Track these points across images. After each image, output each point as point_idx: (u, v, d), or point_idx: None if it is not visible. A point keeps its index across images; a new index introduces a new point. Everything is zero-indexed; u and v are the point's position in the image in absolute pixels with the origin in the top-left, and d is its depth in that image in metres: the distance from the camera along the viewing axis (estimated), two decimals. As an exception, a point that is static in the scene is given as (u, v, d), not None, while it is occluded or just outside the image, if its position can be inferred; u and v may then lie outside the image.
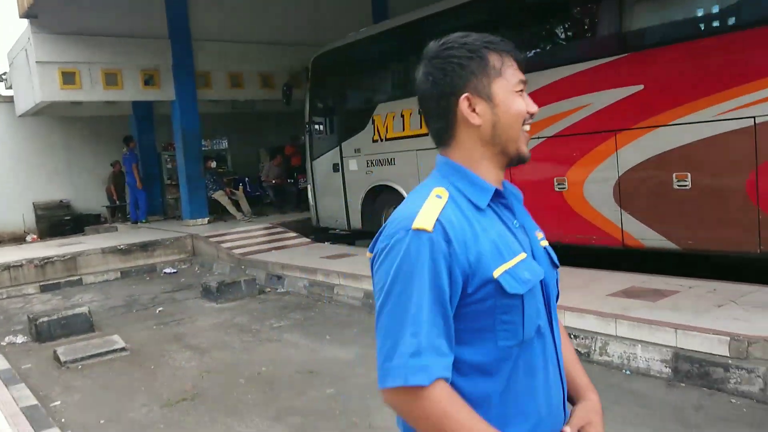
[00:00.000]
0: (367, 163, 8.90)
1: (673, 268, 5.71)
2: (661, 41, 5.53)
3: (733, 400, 3.40)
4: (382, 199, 8.84)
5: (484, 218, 1.16)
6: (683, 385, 3.70)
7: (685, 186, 5.35)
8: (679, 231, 5.47)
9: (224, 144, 14.87)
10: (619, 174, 5.80)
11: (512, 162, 1.23)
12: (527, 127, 1.21)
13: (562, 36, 6.61)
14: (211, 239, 9.92)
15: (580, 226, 6.23)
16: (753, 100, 4.83)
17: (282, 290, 7.52)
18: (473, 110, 1.18)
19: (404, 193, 8.29)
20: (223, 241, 9.80)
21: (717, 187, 5.17)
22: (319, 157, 9.96)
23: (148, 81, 11.30)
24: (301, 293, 7.22)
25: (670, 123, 5.36)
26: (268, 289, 7.63)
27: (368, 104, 8.91)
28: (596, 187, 6.03)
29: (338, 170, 9.49)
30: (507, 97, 1.18)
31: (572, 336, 4.31)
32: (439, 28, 7.71)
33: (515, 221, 1.23)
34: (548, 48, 6.72)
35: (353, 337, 5.37)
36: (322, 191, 10.03)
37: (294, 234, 10.28)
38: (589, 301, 4.62)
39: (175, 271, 9.56)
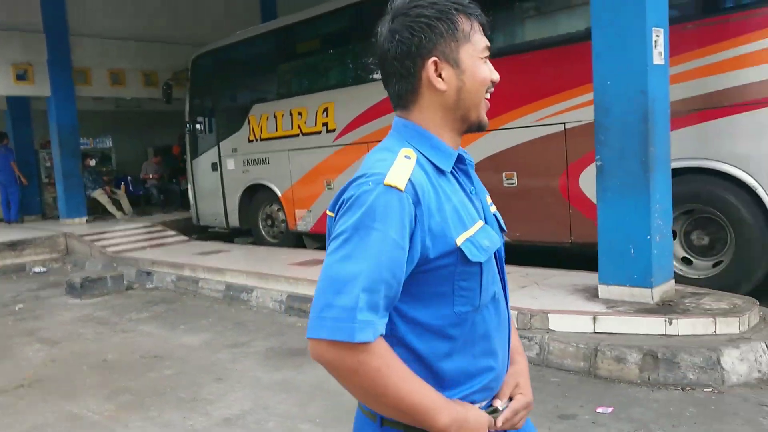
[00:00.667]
0: (244, 163, 9.12)
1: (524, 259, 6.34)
2: (491, 56, 6.16)
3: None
4: (259, 198, 9.09)
5: (446, 184, 1.15)
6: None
7: (513, 184, 5.98)
8: (509, 225, 6.08)
9: (108, 143, 14.56)
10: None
11: (471, 128, 1.21)
12: (488, 95, 1.20)
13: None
14: (85, 237, 9.78)
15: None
16: (563, 108, 5.51)
17: (150, 286, 7.60)
18: (439, 75, 1.14)
19: (278, 192, 8.59)
20: (98, 240, 9.68)
21: (537, 185, 5.82)
22: (198, 156, 10.07)
23: (22, 75, 10.96)
24: (168, 288, 7.34)
25: (501, 127, 5.98)
26: (137, 285, 7.68)
27: (244, 105, 9.14)
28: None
29: (217, 169, 9.65)
30: (473, 63, 1.15)
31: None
32: (312, 32, 8.11)
33: (472, 187, 1.21)
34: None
35: (207, 326, 5.60)
36: (201, 190, 10.14)
37: (173, 233, 10.30)
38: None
39: (45, 270, 9.35)
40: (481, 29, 1.17)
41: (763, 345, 3.51)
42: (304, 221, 8.32)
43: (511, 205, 6.00)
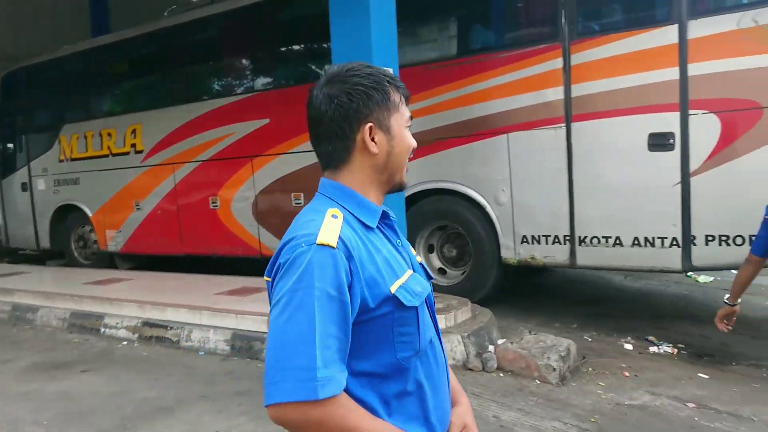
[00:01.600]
0: (54, 183, 8.92)
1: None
2: (279, 85, 6.70)
3: (259, 365, 4.34)
4: (71, 219, 8.90)
5: (375, 238, 1.23)
6: (236, 358, 4.58)
7: (300, 203, 6.45)
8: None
9: None
10: (256, 193, 6.76)
11: (393, 189, 1.31)
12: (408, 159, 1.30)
13: (220, 72, 7.48)
14: None
15: (230, 240, 7.05)
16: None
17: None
18: (372, 139, 1.23)
19: (89, 213, 8.49)
20: None
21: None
22: (8, 176, 9.70)
23: None
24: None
25: (289, 151, 6.44)
26: None
27: (55, 124, 8.98)
28: (240, 205, 6.92)
29: (27, 189, 9.34)
30: (400, 130, 1.26)
31: (168, 328, 5.00)
32: (121, 54, 8.19)
33: (398, 240, 1.31)
34: (206, 83, 7.55)
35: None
36: (11, 211, 9.75)
37: (-23, 256, 9.77)
38: (195, 299, 5.37)
39: None
40: (404, 101, 1.28)
41: (459, 337, 4.15)
42: (114, 242, 8.29)
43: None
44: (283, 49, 6.84)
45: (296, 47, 6.76)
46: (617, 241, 4.73)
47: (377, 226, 1.25)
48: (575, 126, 4.83)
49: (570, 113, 4.85)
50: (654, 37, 4.51)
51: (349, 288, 1.11)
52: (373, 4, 4.43)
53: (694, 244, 4.47)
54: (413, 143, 1.29)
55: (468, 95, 5.32)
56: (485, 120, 5.24)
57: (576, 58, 4.80)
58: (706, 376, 4.16)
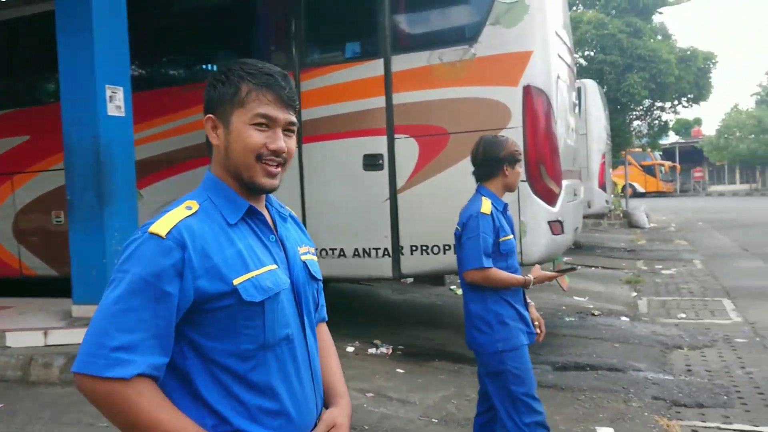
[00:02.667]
0: None
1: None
2: (38, 102, 6.63)
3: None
4: None
5: (233, 231, 1.24)
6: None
7: (60, 222, 6.35)
8: (58, 260, 6.42)
9: None
10: (16, 211, 6.56)
11: (248, 188, 1.28)
12: (267, 161, 1.26)
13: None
14: None
15: (-7, 260, 6.75)
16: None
17: None
18: (215, 131, 1.27)
19: None
20: None
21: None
22: None
23: None
24: None
25: (50, 169, 6.34)
26: None
27: None
28: (1, 224, 6.67)
29: None
30: (241, 127, 1.25)
31: None
32: None
33: (272, 236, 1.31)
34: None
35: None
36: None
37: None
38: None
39: None
40: (267, 99, 1.25)
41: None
42: None
43: (60, 242, 6.35)
44: (39, 65, 6.75)
45: (51, 64, 6.70)
46: (342, 253, 5.17)
47: (246, 221, 1.28)
48: (305, 147, 5.26)
49: (301, 135, 5.26)
50: (365, 70, 5.06)
51: (181, 276, 1.15)
52: (98, 23, 4.59)
53: (402, 254, 5.01)
54: (259, 143, 1.25)
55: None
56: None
57: (304, 86, 5.24)
58: (402, 371, 4.66)
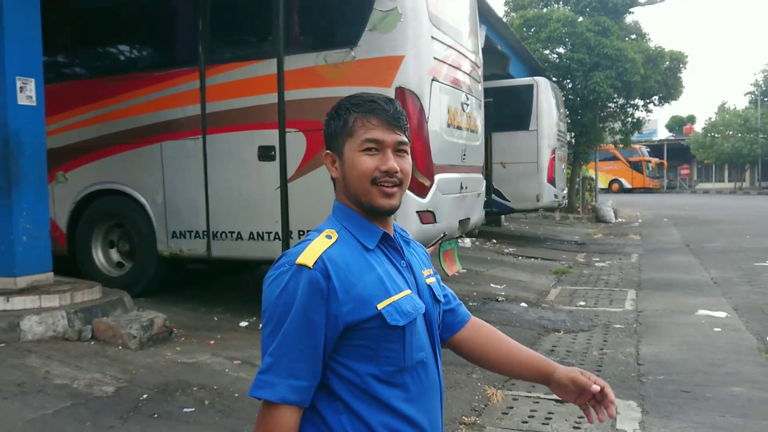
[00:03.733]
0: None
1: None
2: None
3: None
4: None
5: (372, 257, 1.31)
6: None
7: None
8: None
9: None
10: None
11: (371, 212, 1.35)
12: (382, 182, 1.32)
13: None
14: None
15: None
16: None
17: None
18: (333, 164, 1.37)
19: None
20: None
21: None
22: None
23: None
24: None
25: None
26: None
27: None
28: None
29: None
30: (353, 155, 1.32)
31: None
32: None
33: (403, 261, 1.37)
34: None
35: None
36: None
37: None
38: None
39: None
40: (372, 124, 1.31)
41: (63, 312, 4.80)
42: None
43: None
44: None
45: None
46: (239, 236, 5.63)
47: (380, 247, 1.34)
48: (209, 138, 5.70)
49: (205, 127, 5.71)
50: (261, 68, 5.49)
51: (327, 305, 1.23)
52: (8, 16, 5.01)
53: (291, 238, 5.46)
54: (372, 167, 1.31)
55: (130, 107, 6.04)
56: (144, 130, 5.98)
57: (209, 81, 5.68)
58: (280, 343, 5.12)
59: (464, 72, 6.12)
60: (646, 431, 3.80)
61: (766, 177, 45.33)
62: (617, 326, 6.29)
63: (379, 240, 1.33)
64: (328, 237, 1.29)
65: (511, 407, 4.10)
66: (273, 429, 1.23)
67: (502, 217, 16.47)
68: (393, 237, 1.38)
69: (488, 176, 13.16)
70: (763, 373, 4.77)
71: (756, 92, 46.16)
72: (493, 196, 13.07)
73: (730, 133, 39.88)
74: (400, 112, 1.36)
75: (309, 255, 1.25)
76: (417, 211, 5.13)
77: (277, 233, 5.49)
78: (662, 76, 19.12)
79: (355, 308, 1.24)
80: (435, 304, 1.41)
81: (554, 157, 12.85)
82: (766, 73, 45.69)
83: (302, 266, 1.24)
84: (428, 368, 1.34)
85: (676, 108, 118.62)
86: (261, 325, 1.28)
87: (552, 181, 12.83)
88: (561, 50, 18.74)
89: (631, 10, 19.22)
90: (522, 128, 12.73)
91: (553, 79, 18.65)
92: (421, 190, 5.15)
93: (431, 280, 1.43)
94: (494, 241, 13.11)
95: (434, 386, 1.36)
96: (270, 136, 5.46)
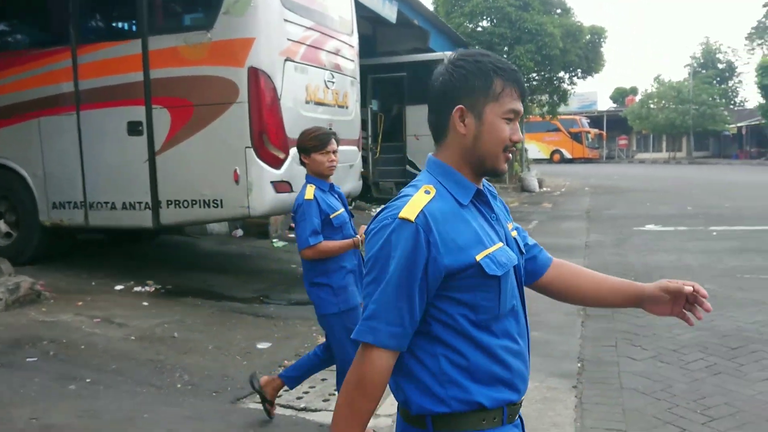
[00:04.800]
0: None
1: None
2: None
3: None
4: None
5: (467, 212, 1.35)
6: None
7: None
8: None
9: None
10: None
11: (487, 174, 1.40)
12: (510, 151, 1.38)
13: None
14: None
15: None
16: None
17: None
18: (463, 121, 1.34)
19: None
20: None
21: None
22: None
23: None
24: None
25: None
26: None
27: None
28: None
29: None
30: (494, 120, 1.34)
31: None
32: None
33: (493, 215, 1.42)
34: None
35: None
36: None
37: None
38: None
39: None
40: (515, 95, 1.35)
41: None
42: None
43: None
44: None
45: None
46: (113, 206, 6.03)
47: (473, 202, 1.38)
48: (83, 114, 6.05)
49: (79, 103, 6.05)
50: (128, 47, 5.84)
51: (428, 256, 1.28)
52: None
53: (161, 207, 5.89)
54: (512, 136, 1.36)
55: (9, 84, 6.32)
56: (23, 106, 6.28)
57: (80, 59, 6.00)
58: (146, 304, 5.59)
59: (329, 52, 6.55)
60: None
61: (699, 147, 47.22)
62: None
63: (472, 196, 1.38)
64: (427, 192, 1.33)
65: (334, 353, 4.67)
66: (370, 369, 1.30)
67: (425, 187, 17.07)
68: (483, 192, 1.42)
69: (403, 148, 13.78)
70: (564, 321, 5.40)
71: (694, 65, 47.78)
72: (408, 167, 13.68)
73: (664, 104, 41.33)
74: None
75: (411, 209, 1.30)
76: (272, 182, 5.61)
77: (147, 203, 5.90)
78: (582, 50, 19.84)
79: (455, 260, 1.29)
80: (520, 256, 1.46)
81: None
82: (703, 47, 47.31)
83: (405, 220, 1.29)
84: (518, 316, 1.42)
85: (621, 80, 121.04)
86: (364, 273, 1.37)
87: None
88: (486, 24, 19.26)
89: (553, -16, 19.80)
90: (434, 101, 13.26)
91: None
92: (276, 162, 5.62)
93: (514, 233, 1.48)
94: (409, 210, 13.68)
95: (523, 331, 1.43)
96: (137, 112, 5.84)
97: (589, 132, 42.29)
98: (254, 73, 5.46)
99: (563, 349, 4.67)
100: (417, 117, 13.43)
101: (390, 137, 13.93)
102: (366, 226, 1.41)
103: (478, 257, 1.30)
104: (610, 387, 3.96)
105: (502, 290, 1.34)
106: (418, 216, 1.29)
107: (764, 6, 49.01)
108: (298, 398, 3.78)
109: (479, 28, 19.30)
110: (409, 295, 1.29)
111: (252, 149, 5.52)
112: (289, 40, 5.77)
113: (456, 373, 1.32)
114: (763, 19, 49.91)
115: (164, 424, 3.35)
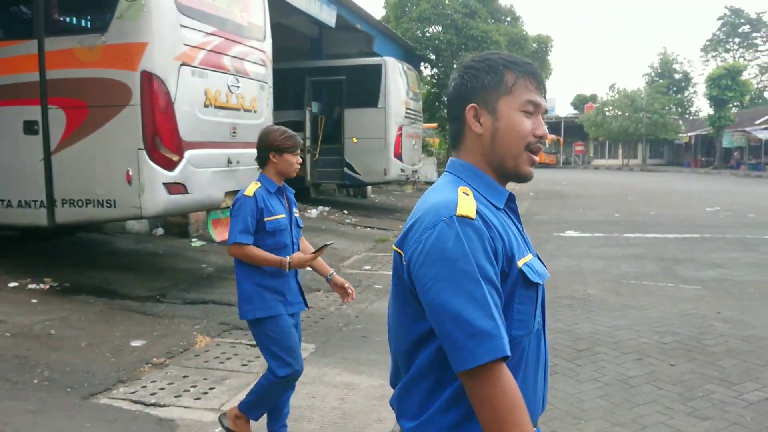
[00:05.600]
0: None
1: None
2: None
3: None
4: None
5: (503, 217, 1.27)
6: None
7: None
8: None
9: None
10: None
11: (510, 177, 1.30)
12: (534, 149, 1.28)
13: None
14: None
15: None
16: None
17: None
18: (478, 120, 1.28)
19: None
20: None
21: None
22: None
23: None
24: None
25: None
26: None
27: None
28: None
29: None
30: (511, 114, 1.26)
31: None
32: None
33: (521, 224, 1.34)
34: None
35: None
36: None
37: None
38: None
39: None
40: (532, 86, 1.27)
41: None
42: None
43: None
44: None
45: None
46: (8, 203, 6.08)
47: (504, 208, 1.29)
48: (-20, 112, 6.09)
49: (-23, 102, 6.09)
50: (24, 48, 5.91)
51: (494, 254, 1.17)
52: None
53: (56, 206, 5.97)
54: (529, 130, 1.26)
55: None
56: None
57: (-25, 59, 6.05)
58: (35, 301, 5.67)
59: (234, 57, 6.70)
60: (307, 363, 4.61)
61: (654, 155, 48.49)
62: (377, 287, 7.15)
63: (505, 201, 1.30)
64: (466, 194, 1.23)
65: (208, 351, 4.83)
66: (507, 385, 1.12)
67: (369, 188, 17.29)
68: (514, 197, 1.34)
69: (341, 150, 13.97)
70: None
71: (652, 74, 49.04)
72: (345, 170, 13.89)
73: (618, 112, 42.38)
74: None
75: (466, 207, 1.19)
76: (164, 183, 5.74)
77: (42, 201, 5.97)
78: (528, 58, 20.28)
79: (504, 263, 1.19)
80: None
81: (401, 134, 13.71)
82: (661, 57, 48.60)
83: (466, 218, 1.17)
84: (540, 337, 1.31)
85: (583, 86, 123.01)
86: (433, 291, 1.15)
87: (399, 156, 13.71)
88: (435, 29, 19.61)
89: (501, -6, 20.27)
90: (371, 105, 13.52)
91: (431, 57, 19.54)
92: (169, 164, 5.76)
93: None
94: (345, 211, 13.87)
95: (542, 357, 1.32)
96: (33, 112, 5.90)
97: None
98: (147, 77, 5.58)
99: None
100: (355, 120, 13.67)
101: (331, 140, 14.12)
102: (422, 237, 1.21)
103: (520, 263, 1.22)
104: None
105: (538, 302, 1.26)
106: (477, 213, 1.19)
107: (718, 19, 50.68)
108: (152, 394, 3.94)
109: (428, 34, 19.64)
110: (499, 294, 1.17)
111: (144, 151, 5.64)
112: (186, 45, 5.91)
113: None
114: (717, 32, 51.54)
115: (1, 417, 3.47)
